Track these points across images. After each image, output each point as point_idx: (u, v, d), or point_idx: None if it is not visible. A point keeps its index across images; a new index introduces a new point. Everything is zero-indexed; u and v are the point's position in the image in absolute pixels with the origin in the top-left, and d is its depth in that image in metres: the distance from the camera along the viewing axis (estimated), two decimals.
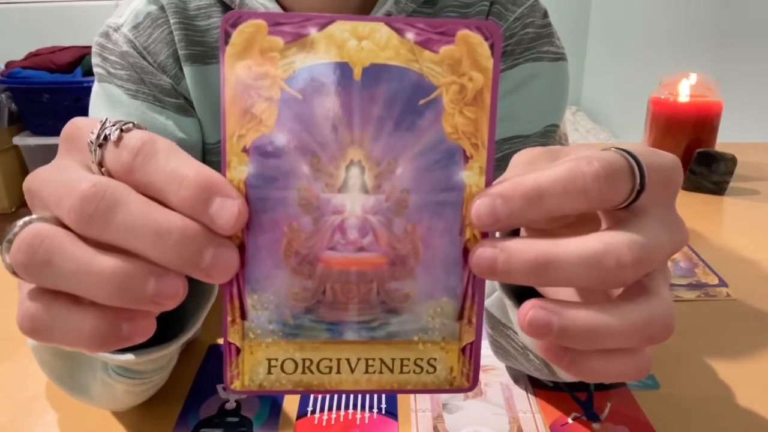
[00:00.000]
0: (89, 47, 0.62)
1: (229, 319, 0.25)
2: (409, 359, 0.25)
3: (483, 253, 0.23)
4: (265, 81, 0.23)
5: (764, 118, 1.63)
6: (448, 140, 0.23)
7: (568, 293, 0.29)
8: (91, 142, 0.24)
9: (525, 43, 0.59)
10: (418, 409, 0.44)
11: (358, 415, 0.43)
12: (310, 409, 0.44)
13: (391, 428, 0.42)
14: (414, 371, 0.26)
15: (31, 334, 0.24)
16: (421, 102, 0.23)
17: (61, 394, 0.46)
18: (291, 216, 0.24)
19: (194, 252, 0.22)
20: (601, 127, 2.68)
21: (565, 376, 0.42)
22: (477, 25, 0.23)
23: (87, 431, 0.43)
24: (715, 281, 0.60)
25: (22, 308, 0.24)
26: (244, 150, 0.23)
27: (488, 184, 0.24)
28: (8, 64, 2.77)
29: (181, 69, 0.56)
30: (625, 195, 0.24)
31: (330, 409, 0.44)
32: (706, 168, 0.86)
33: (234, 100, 0.23)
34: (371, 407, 0.44)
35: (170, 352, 0.36)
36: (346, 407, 0.44)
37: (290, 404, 0.44)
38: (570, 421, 0.43)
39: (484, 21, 0.24)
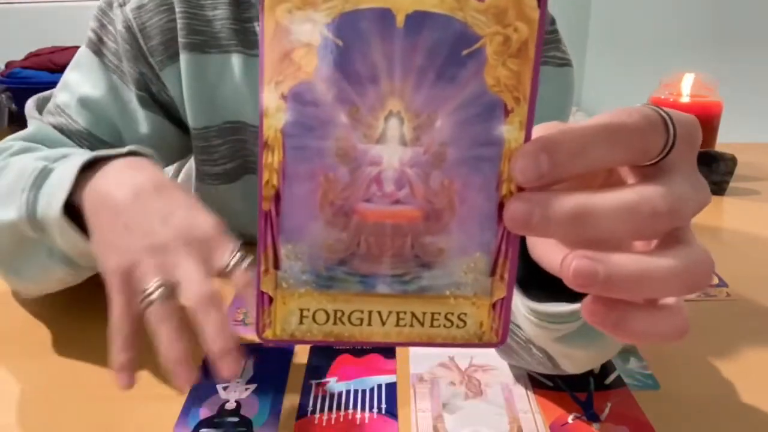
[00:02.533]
0: None
1: (263, 268, 0.24)
2: (439, 313, 0.25)
3: (518, 207, 0.23)
4: (306, 26, 0.22)
5: (764, 118, 1.63)
6: (489, 93, 0.23)
7: None
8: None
9: None
10: (418, 409, 0.44)
11: (358, 415, 0.43)
12: (310, 409, 0.44)
13: (391, 428, 0.42)
14: (444, 325, 0.25)
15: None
16: (464, 52, 0.22)
17: (61, 394, 0.46)
18: (327, 166, 0.23)
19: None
20: None
21: (568, 368, 0.42)
22: None
23: (87, 431, 0.43)
24: (715, 281, 0.60)
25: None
26: (282, 97, 0.23)
27: (527, 140, 0.23)
28: (8, 64, 2.77)
29: (169, 58, 0.59)
30: (660, 148, 0.24)
31: (330, 409, 0.44)
32: (706, 168, 0.86)
33: (272, 44, 0.22)
34: (371, 407, 0.44)
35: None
36: (346, 407, 0.44)
37: (290, 404, 0.44)
38: (570, 421, 0.43)
39: None
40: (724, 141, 0.93)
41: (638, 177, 0.26)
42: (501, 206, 0.24)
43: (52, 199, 0.43)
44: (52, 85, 0.64)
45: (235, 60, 0.61)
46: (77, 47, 0.71)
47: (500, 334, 0.26)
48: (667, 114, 0.24)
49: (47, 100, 0.63)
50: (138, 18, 0.58)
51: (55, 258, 0.46)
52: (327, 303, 0.25)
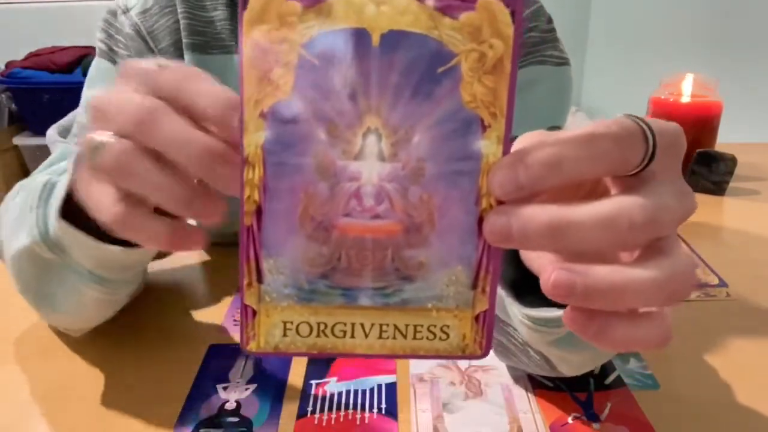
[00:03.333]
0: (89, 47, 0.64)
1: (246, 282, 0.25)
2: (422, 326, 0.26)
3: (497, 220, 0.23)
4: (283, 46, 0.23)
5: (764, 118, 1.63)
6: (466, 109, 0.23)
7: None
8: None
9: (529, 47, 0.60)
10: (418, 409, 0.44)
11: (358, 415, 0.43)
12: (310, 409, 0.44)
13: (391, 428, 0.42)
14: (427, 338, 0.26)
15: (122, 232, 0.27)
16: (440, 70, 0.23)
17: (61, 394, 0.46)
18: (307, 182, 0.24)
19: (213, 165, 0.25)
20: None
21: (566, 371, 0.42)
22: None
23: (87, 431, 0.43)
24: (715, 281, 0.60)
25: (111, 211, 0.27)
26: (261, 115, 0.23)
27: (506, 154, 0.23)
28: (8, 64, 2.77)
29: (181, 57, 0.59)
30: (640, 158, 0.24)
31: (330, 409, 0.44)
32: (706, 168, 0.86)
33: (251, 64, 0.23)
34: (371, 407, 0.44)
35: (145, 257, 0.43)
36: (346, 407, 0.44)
37: (290, 404, 0.44)
38: (570, 421, 0.43)
39: None
40: (724, 141, 0.93)
41: (620, 187, 0.26)
42: (481, 220, 0.24)
43: (51, 209, 0.39)
44: (52, 85, 0.63)
45: (237, 60, 0.59)
46: (77, 47, 0.71)
47: (483, 346, 0.26)
48: (647, 124, 0.24)
49: (67, 129, 0.63)
50: (144, 22, 0.59)
51: (83, 278, 0.42)
52: (310, 316, 0.25)
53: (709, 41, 1.95)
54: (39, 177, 0.46)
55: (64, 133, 0.64)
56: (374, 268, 0.25)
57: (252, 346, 0.25)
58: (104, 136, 0.27)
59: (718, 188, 0.87)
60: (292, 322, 0.25)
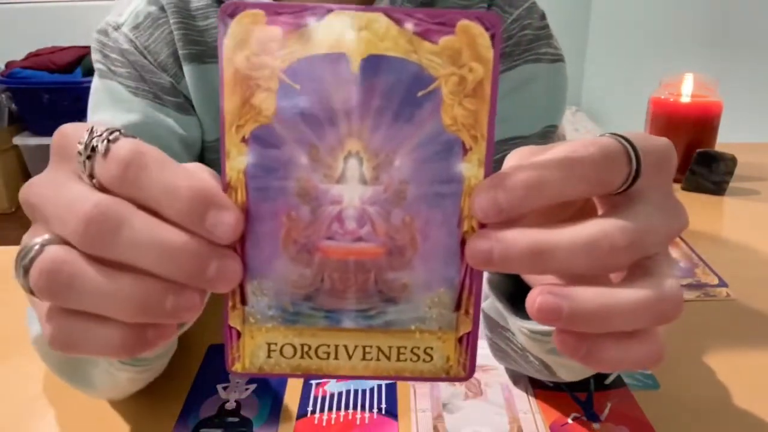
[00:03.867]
0: (89, 47, 0.62)
1: (230, 304, 0.25)
2: (406, 347, 0.26)
3: (479, 244, 0.23)
4: (264, 71, 0.23)
5: (764, 118, 1.63)
6: (446, 132, 0.23)
7: None
8: (80, 153, 0.24)
9: (523, 45, 0.59)
10: (418, 409, 0.44)
11: (358, 415, 0.43)
12: (310, 409, 0.44)
13: (391, 428, 0.42)
14: (411, 359, 0.26)
15: (64, 350, 0.24)
16: (420, 94, 0.23)
17: (61, 394, 0.46)
18: (290, 206, 0.24)
19: (198, 266, 0.23)
20: (601, 127, 2.68)
21: (566, 376, 0.42)
22: (477, 15, 0.22)
23: (87, 431, 0.43)
24: (715, 281, 0.60)
25: (49, 327, 0.24)
26: (243, 140, 0.23)
27: (487, 176, 0.24)
28: (8, 64, 2.77)
29: (180, 68, 0.57)
30: (623, 179, 0.24)
31: (330, 409, 0.44)
32: (706, 168, 0.86)
33: (233, 90, 0.23)
34: (371, 407, 0.44)
35: (173, 339, 0.35)
36: (346, 407, 0.44)
37: (290, 404, 0.45)
38: (570, 421, 0.43)
39: (484, 11, 0.24)
40: (724, 141, 0.93)
41: (606, 206, 0.26)
42: (463, 242, 0.24)
43: None
44: (52, 85, 0.63)
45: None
46: (77, 47, 0.71)
47: (467, 368, 0.26)
48: (630, 143, 0.24)
49: None
50: (138, 38, 0.57)
51: (113, 366, 0.39)
52: (294, 338, 0.26)
53: (709, 41, 1.95)
54: None
55: None
56: (357, 291, 0.25)
57: (237, 367, 0.26)
58: (39, 239, 0.24)
59: (718, 188, 0.87)
60: (276, 344, 0.26)
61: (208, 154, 0.60)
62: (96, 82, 0.59)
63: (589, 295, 0.23)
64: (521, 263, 0.23)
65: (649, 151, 0.24)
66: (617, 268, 0.24)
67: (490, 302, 0.43)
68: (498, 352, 0.46)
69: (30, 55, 2.78)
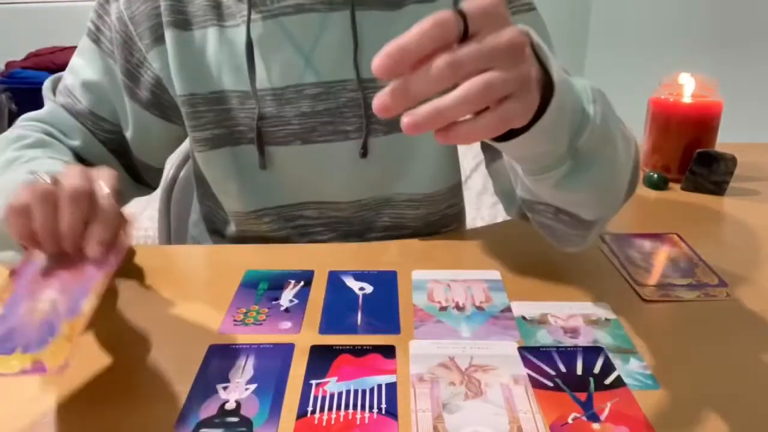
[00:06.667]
0: None
1: None
2: None
3: (380, 98, 0.35)
4: None
5: (764, 118, 1.63)
6: None
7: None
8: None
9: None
10: (418, 409, 0.44)
11: (358, 415, 0.43)
12: (310, 409, 0.44)
13: (391, 428, 0.42)
14: None
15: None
16: None
17: (61, 394, 0.46)
18: None
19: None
20: None
21: (588, 214, 0.54)
22: None
23: (87, 431, 0.43)
24: (715, 281, 0.60)
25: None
26: None
27: None
28: (8, 64, 2.77)
29: (154, 40, 0.68)
30: (457, 34, 0.35)
31: (330, 409, 0.44)
32: (706, 168, 0.86)
33: None
34: (371, 407, 0.44)
35: None
36: (346, 407, 0.44)
37: (290, 404, 0.45)
38: (570, 421, 0.43)
39: None
40: (724, 141, 0.93)
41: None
42: None
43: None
44: None
45: (211, 33, 0.68)
46: (77, 47, 0.73)
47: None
48: (461, 11, 0.35)
49: (60, 80, 0.75)
50: (128, 9, 0.69)
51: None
52: None
53: (709, 41, 1.94)
54: (22, 173, 0.59)
55: (56, 86, 0.75)
56: None
57: None
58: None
59: (718, 188, 0.87)
60: None
61: (184, 108, 0.70)
62: (83, 37, 0.72)
63: (426, 106, 0.35)
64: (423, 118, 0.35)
65: (480, 7, 0.35)
66: (464, 74, 0.35)
67: (520, 186, 0.55)
68: (542, 228, 0.59)
69: (30, 55, 2.78)
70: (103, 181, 0.48)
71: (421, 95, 0.35)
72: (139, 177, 0.78)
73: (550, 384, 0.46)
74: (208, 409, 0.44)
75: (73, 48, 0.70)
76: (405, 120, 0.35)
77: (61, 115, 0.72)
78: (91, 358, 0.50)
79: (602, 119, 0.49)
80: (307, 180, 0.71)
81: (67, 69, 0.73)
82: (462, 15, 0.35)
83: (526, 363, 0.49)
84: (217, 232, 0.81)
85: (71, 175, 0.47)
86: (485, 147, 0.71)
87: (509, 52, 0.36)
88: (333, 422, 0.43)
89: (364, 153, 0.70)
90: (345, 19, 0.67)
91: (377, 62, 0.34)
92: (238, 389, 0.46)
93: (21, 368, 0.38)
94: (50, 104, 0.73)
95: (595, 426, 0.42)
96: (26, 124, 0.72)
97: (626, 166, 0.56)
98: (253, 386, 0.46)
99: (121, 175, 0.74)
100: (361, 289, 0.61)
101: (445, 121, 0.35)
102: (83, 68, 0.71)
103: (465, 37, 0.35)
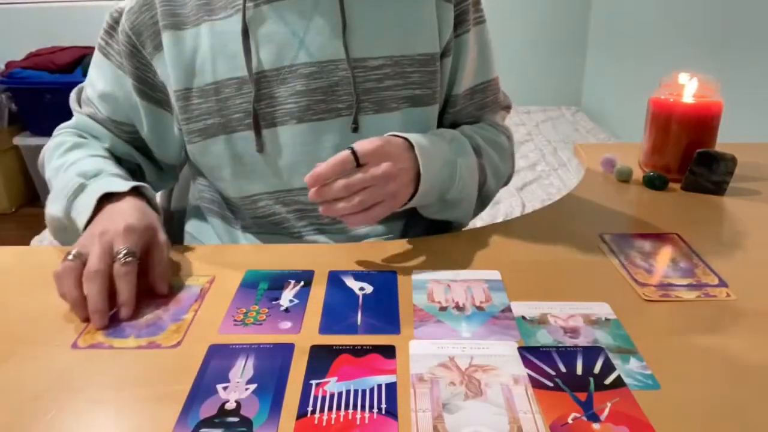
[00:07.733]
0: (89, 47, 0.70)
1: None
2: None
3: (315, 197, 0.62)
4: None
5: (764, 118, 1.63)
6: None
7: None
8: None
9: (462, 16, 0.78)
10: (418, 409, 0.44)
11: (358, 415, 0.43)
12: (310, 409, 0.44)
13: (391, 428, 0.42)
14: None
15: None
16: None
17: (61, 394, 0.46)
18: None
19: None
20: (601, 127, 2.68)
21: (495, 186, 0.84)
22: None
23: (86, 431, 0.43)
24: (715, 281, 0.60)
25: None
26: None
27: None
28: (8, 64, 2.77)
29: (155, 47, 0.73)
30: (351, 166, 0.62)
31: (330, 409, 0.44)
32: (706, 168, 0.86)
33: None
34: (371, 407, 0.44)
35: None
36: (346, 407, 0.44)
37: (290, 404, 0.45)
38: (570, 421, 0.43)
39: None
40: (724, 141, 0.93)
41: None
42: None
43: (79, 216, 0.66)
44: (52, 85, 0.70)
45: (204, 28, 0.73)
46: (77, 47, 0.76)
47: None
48: (353, 150, 0.62)
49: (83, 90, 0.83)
50: (128, 20, 0.74)
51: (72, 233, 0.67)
52: None
53: (709, 41, 1.95)
54: (72, 175, 0.70)
55: (80, 97, 0.83)
56: None
57: None
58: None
59: (718, 188, 0.87)
60: None
61: (178, 102, 0.74)
62: (96, 51, 0.79)
63: (331, 205, 0.63)
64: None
65: (365, 152, 0.63)
66: (340, 195, 0.62)
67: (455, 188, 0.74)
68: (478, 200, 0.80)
69: (30, 55, 2.78)
70: (120, 246, 0.58)
71: (330, 199, 0.63)
72: (162, 170, 0.86)
73: (550, 384, 0.46)
74: (208, 409, 0.44)
75: (73, 48, 0.72)
76: (320, 209, 0.63)
77: (88, 123, 0.80)
78: (91, 358, 0.50)
79: (467, 171, 0.74)
80: (301, 161, 0.74)
81: (86, 80, 0.81)
82: (354, 153, 0.62)
83: (526, 363, 0.49)
84: (219, 216, 0.83)
85: (92, 255, 0.57)
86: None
87: (383, 178, 0.63)
88: (333, 422, 0.43)
89: (356, 128, 0.74)
90: (334, 1, 0.72)
91: (307, 181, 0.61)
92: (238, 389, 0.46)
93: (137, 345, 0.52)
94: (77, 115, 0.82)
95: (595, 426, 0.42)
96: (62, 131, 0.81)
97: (497, 184, 0.83)
98: (253, 386, 0.47)
99: (148, 168, 0.84)
100: (361, 289, 0.61)
101: (341, 213, 0.63)
102: (98, 80, 0.79)
103: (359, 164, 0.62)
